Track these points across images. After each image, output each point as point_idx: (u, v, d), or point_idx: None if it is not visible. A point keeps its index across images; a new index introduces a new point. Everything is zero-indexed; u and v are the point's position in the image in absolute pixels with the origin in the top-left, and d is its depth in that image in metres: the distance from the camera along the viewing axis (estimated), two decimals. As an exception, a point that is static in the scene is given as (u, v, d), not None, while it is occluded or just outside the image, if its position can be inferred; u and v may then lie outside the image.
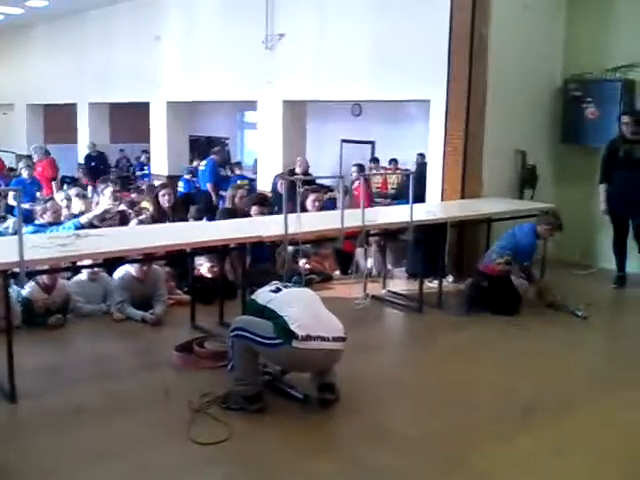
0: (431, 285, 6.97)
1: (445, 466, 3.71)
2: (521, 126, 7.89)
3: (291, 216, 5.42)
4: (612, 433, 4.12)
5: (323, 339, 4.10)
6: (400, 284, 7.28)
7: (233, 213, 7.27)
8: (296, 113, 10.77)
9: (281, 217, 5.48)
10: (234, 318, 4.47)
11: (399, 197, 13.18)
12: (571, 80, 8.11)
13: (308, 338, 4.04)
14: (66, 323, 5.79)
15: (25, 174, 10.40)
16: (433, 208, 7.06)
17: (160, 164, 13.05)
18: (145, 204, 8.97)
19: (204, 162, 11.85)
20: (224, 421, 4.07)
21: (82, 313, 5.98)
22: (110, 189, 8.08)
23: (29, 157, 13.78)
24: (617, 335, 6.18)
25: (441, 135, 7.79)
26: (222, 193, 10.81)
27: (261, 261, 6.78)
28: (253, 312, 4.35)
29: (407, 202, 6.16)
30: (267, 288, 4.43)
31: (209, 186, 11.42)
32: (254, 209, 7.28)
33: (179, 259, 6.54)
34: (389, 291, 6.96)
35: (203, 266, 6.54)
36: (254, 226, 6.00)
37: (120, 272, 6.12)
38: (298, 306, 4.20)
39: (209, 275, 6.49)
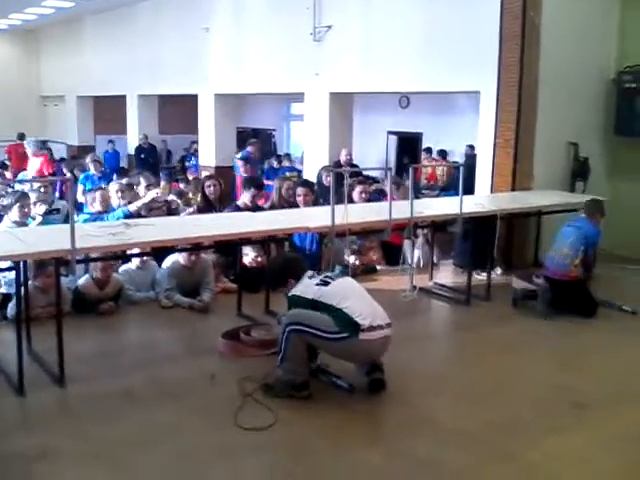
0: (479, 277, 6.88)
1: (491, 458, 3.67)
2: (573, 118, 7.73)
3: (338, 207, 5.39)
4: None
5: (381, 327, 4.14)
6: (447, 276, 7.20)
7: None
8: (343, 105, 10.72)
9: (328, 208, 5.46)
10: (285, 312, 4.44)
11: (447, 189, 13.08)
12: (625, 71, 7.91)
13: (371, 328, 4.08)
14: (116, 310, 5.87)
15: (92, 168, 10.41)
16: (482, 200, 6.95)
17: (208, 155, 13.13)
18: (192, 195, 9.06)
19: (239, 154, 11.77)
20: (270, 408, 4.09)
21: (131, 301, 6.05)
22: (143, 180, 7.95)
23: (92, 150, 14.01)
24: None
25: (491, 127, 7.67)
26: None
27: (308, 253, 6.80)
28: (300, 305, 4.31)
29: (455, 194, 6.08)
30: (309, 281, 4.35)
31: (239, 179, 11.23)
32: (300, 191, 7.26)
33: (226, 248, 6.57)
34: (436, 283, 6.90)
35: (248, 255, 6.56)
36: (301, 217, 6.00)
37: (169, 261, 6.18)
38: (354, 297, 4.20)
39: (254, 264, 6.50)
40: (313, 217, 5.86)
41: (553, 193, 7.47)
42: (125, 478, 3.41)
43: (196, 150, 14.76)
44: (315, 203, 7.57)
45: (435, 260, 7.35)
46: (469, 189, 7.57)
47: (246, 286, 6.13)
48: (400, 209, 5.83)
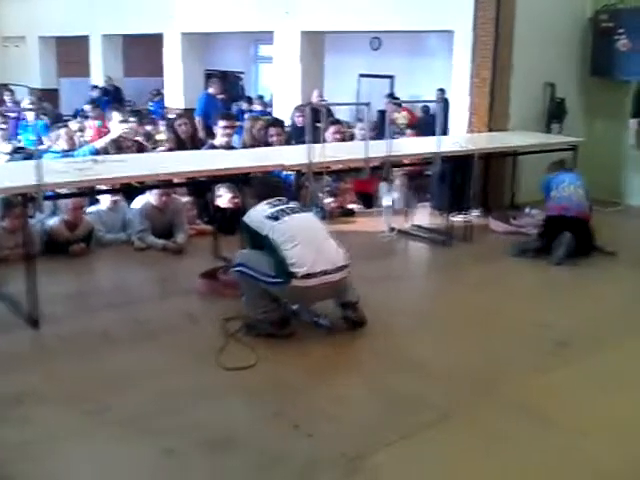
0: (456, 219, 6.84)
1: (476, 394, 3.64)
2: (550, 58, 7.62)
3: (313, 146, 5.25)
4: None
5: (325, 272, 4.02)
6: (425, 219, 7.13)
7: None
8: (314, 45, 10.51)
9: (303, 147, 5.33)
10: (236, 252, 4.39)
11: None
12: (602, 10, 7.80)
13: (308, 276, 3.97)
14: (88, 252, 5.71)
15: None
16: (459, 140, 6.87)
17: (175, 97, 12.80)
18: (160, 136, 8.82)
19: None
20: (251, 347, 4.02)
21: (103, 242, 5.90)
22: (118, 114, 7.74)
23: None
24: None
25: (466, 67, 7.54)
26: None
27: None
28: (250, 237, 4.25)
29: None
30: (263, 212, 4.19)
31: (197, 119, 10.94)
32: (272, 131, 7.11)
33: (200, 189, 6.43)
34: (414, 225, 6.83)
35: (223, 197, 6.42)
36: (276, 155, 5.85)
37: (140, 201, 6.02)
38: (300, 241, 4.04)
39: (230, 206, 6.37)
40: (288, 156, 5.71)
41: (529, 134, 7.41)
42: (105, 420, 3.29)
43: (158, 93, 14.43)
44: (287, 144, 7.44)
45: (411, 203, 7.28)
46: (443, 132, 7.46)
47: (222, 228, 6.01)
48: (376, 149, 5.72)
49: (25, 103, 10.33)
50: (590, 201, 6.18)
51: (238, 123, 9.59)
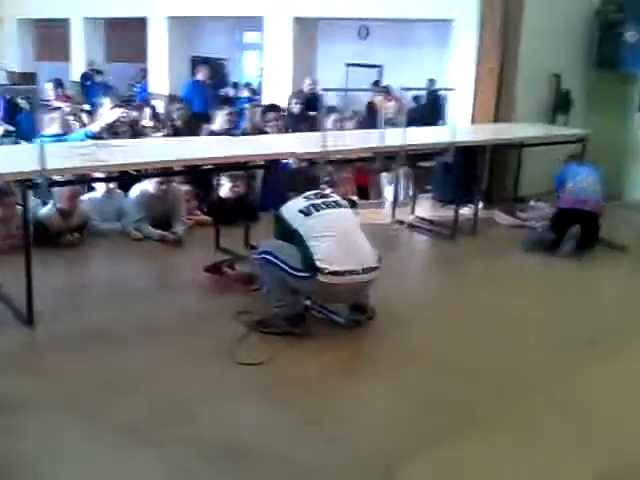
0: (460, 212, 6.64)
1: (505, 394, 3.44)
2: (556, 48, 7.43)
3: (312, 135, 4.98)
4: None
5: (352, 272, 3.80)
6: (428, 211, 6.92)
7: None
8: (307, 31, 10.21)
9: (307, 135, 5.08)
10: (263, 241, 4.17)
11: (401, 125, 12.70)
12: (610, 1, 7.63)
13: (335, 273, 3.75)
14: (82, 242, 5.40)
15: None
16: (466, 131, 6.64)
17: (160, 83, 12.43)
18: (146, 123, 8.46)
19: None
20: (267, 342, 3.79)
21: (98, 232, 5.59)
22: (108, 103, 7.45)
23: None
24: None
25: (469, 57, 7.31)
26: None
27: (275, 185, 6.43)
28: (281, 229, 4.03)
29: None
30: (297, 205, 4.01)
31: None
32: (270, 116, 6.85)
33: (200, 178, 6.14)
34: (418, 217, 6.61)
35: (224, 186, 6.15)
36: (281, 143, 5.58)
37: (137, 189, 5.72)
38: (329, 237, 3.83)
39: (230, 195, 6.09)
40: (293, 144, 5.44)
41: (535, 125, 7.23)
42: (103, 429, 2.98)
43: (143, 77, 14.01)
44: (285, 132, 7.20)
45: (415, 195, 7.07)
46: (433, 124, 7.22)
47: (222, 219, 5.75)
48: (388, 137, 5.47)
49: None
50: (604, 195, 6.00)
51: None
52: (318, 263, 3.72)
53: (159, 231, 5.62)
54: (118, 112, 6.32)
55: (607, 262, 5.72)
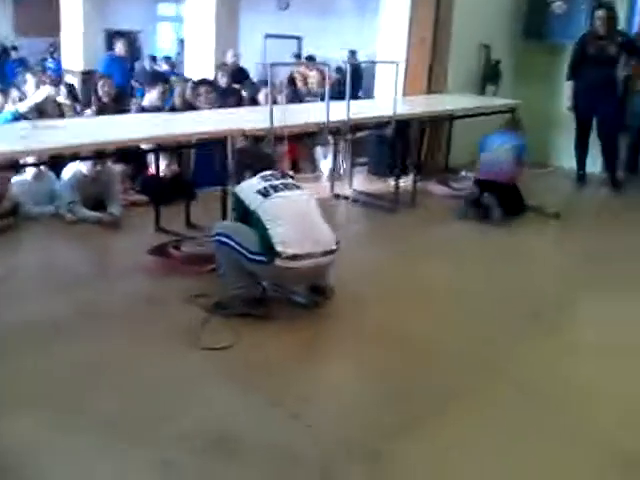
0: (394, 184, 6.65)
1: (473, 372, 3.43)
2: (485, 18, 7.46)
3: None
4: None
5: (311, 256, 3.72)
6: (364, 184, 6.89)
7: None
8: (229, 2, 9.98)
9: (252, 110, 4.94)
10: (216, 221, 4.06)
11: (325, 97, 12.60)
12: (538, -29, 7.72)
13: (294, 257, 3.66)
14: (13, 227, 5.12)
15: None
16: (400, 103, 6.61)
17: (74, 58, 11.91)
18: (61, 99, 8.08)
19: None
20: (228, 326, 3.66)
21: (30, 216, 5.31)
22: (31, 79, 7.09)
23: None
24: (593, 233, 6.00)
25: (400, 26, 7.26)
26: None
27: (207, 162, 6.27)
28: (238, 210, 3.90)
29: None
30: (254, 186, 3.87)
31: None
32: (201, 89, 6.63)
33: (132, 156, 5.90)
34: (356, 191, 6.57)
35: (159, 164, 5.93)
36: (224, 119, 5.40)
37: (70, 171, 5.45)
38: (288, 220, 3.73)
39: (167, 174, 5.88)
40: (234, 119, 5.28)
41: (468, 97, 7.27)
42: (79, 427, 2.81)
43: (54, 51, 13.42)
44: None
45: (351, 168, 7.01)
46: (354, 96, 7.15)
47: (157, 198, 5.56)
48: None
49: None
50: (522, 163, 6.03)
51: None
52: (277, 247, 3.62)
53: (95, 213, 5.38)
54: (47, 90, 5.98)
55: (542, 230, 5.86)
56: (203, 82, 6.92)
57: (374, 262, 4.84)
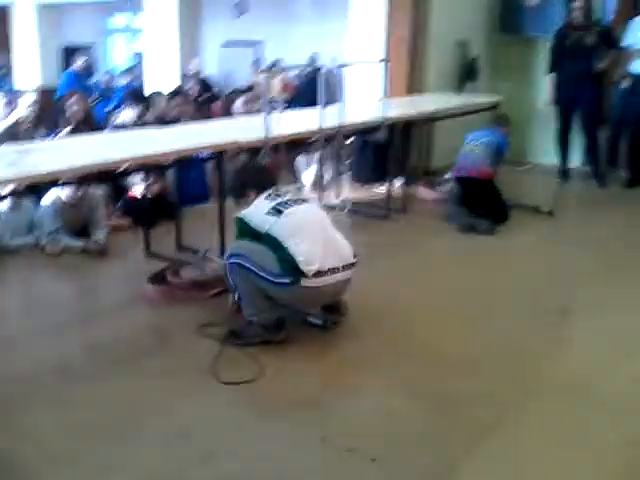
0: (379, 191, 6.52)
1: (518, 383, 3.27)
2: (461, 15, 7.37)
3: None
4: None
5: (334, 271, 3.51)
6: (350, 192, 6.68)
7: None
8: (192, 10, 9.73)
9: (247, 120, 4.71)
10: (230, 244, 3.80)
11: (289, 104, 12.40)
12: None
13: (318, 274, 3.44)
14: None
15: None
16: (383, 106, 6.42)
17: (28, 76, 11.47)
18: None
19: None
20: (250, 356, 3.44)
21: (9, 250, 4.99)
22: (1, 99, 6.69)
23: None
24: (590, 227, 5.90)
25: (376, 26, 7.07)
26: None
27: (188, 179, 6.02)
28: (245, 235, 3.64)
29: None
30: (262, 207, 3.64)
31: None
32: (178, 100, 6.38)
33: (112, 178, 5.59)
34: (343, 199, 6.35)
35: (138, 184, 5.66)
36: (207, 132, 5.15)
37: (49, 198, 5.14)
38: (306, 236, 3.52)
39: (147, 194, 5.57)
40: (219, 132, 5.04)
41: (449, 95, 7.14)
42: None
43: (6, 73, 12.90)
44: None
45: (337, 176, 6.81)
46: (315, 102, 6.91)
47: (141, 220, 5.30)
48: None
49: None
50: (499, 160, 5.90)
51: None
52: (301, 265, 3.40)
53: (79, 242, 5.09)
54: (21, 111, 5.64)
55: (539, 228, 5.75)
56: (177, 93, 6.67)
57: (381, 273, 4.64)
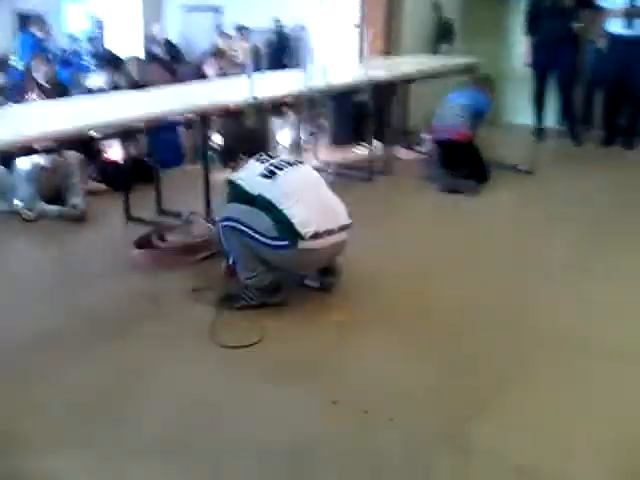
0: (359, 152, 6.44)
1: (521, 339, 3.23)
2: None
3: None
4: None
5: (330, 232, 3.43)
6: (329, 154, 6.60)
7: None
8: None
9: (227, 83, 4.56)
10: (220, 206, 3.67)
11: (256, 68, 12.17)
12: None
13: (315, 236, 3.35)
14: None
15: None
16: (360, 67, 6.31)
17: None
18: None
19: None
20: (248, 320, 3.34)
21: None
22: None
23: None
24: (570, 184, 5.91)
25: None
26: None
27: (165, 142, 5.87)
28: (236, 198, 3.52)
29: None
30: (254, 170, 3.52)
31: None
32: (153, 67, 6.19)
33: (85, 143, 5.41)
34: (323, 161, 6.27)
35: (114, 149, 5.49)
36: (187, 94, 4.99)
37: (26, 163, 4.94)
38: (301, 198, 3.41)
39: (123, 158, 5.40)
40: (200, 95, 4.88)
41: (426, 57, 7.05)
42: (138, 440, 2.50)
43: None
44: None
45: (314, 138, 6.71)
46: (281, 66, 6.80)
47: (117, 184, 5.14)
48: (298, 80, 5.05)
49: None
50: (477, 122, 5.81)
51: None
52: (298, 227, 3.31)
53: (56, 207, 4.92)
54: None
55: (521, 187, 5.74)
56: (154, 58, 6.46)
57: (372, 234, 4.55)
